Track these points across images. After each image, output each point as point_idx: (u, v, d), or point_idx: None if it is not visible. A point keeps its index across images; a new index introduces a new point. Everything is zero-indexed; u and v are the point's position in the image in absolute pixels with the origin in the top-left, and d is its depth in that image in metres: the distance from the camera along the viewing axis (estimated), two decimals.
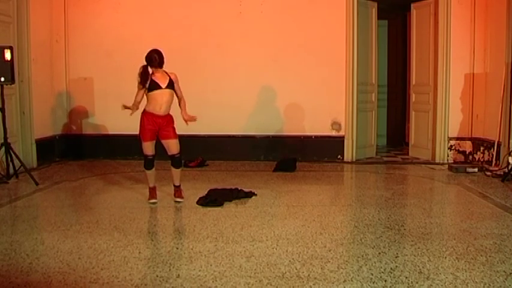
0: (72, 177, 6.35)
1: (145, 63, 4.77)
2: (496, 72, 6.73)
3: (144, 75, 4.76)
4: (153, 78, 4.77)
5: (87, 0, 7.64)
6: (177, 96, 4.96)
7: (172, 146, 4.89)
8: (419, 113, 7.84)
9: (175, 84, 4.88)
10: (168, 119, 4.89)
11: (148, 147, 4.88)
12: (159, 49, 4.82)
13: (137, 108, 4.89)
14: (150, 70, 4.79)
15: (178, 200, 5.02)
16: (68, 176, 6.47)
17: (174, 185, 5.08)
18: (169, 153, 4.92)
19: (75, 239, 3.82)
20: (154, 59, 4.75)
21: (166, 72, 4.86)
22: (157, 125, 4.83)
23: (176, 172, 5.01)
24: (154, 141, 4.90)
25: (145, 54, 4.77)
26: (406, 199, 5.29)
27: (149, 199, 5.01)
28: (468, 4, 7.20)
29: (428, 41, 7.51)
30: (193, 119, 5.01)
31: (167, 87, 4.81)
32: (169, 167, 5.03)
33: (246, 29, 7.49)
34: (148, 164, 4.94)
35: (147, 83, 4.76)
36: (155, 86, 4.77)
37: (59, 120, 7.73)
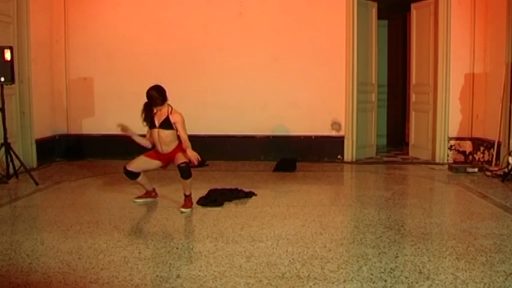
0: (72, 177, 6.35)
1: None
2: (496, 72, 6.73)
3: (144, 114, 4.59)
4: (153, 114, 4.60)
5: (87, 0, 7.64)
6: (179, 136, 4.65)
7: (176, 159, 4.66)
8: (419, 113, 7.84)
9: (176, 125, 4.59)
10: (171, 155, 4.68)
11: (138, 162, 4.72)
12: (160, 85, 4.57)
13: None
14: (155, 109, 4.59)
15: (181, 210, 4.68)
16: (68, 176, 6.47)
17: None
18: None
19: (75, 239, 3.82)
20: (154, 97, 4.49)
21: (169, 110, 4.61)
22: (159, 158, 4.74)
23: (183, 183, 4.70)
24: (147, 162, 4.73)
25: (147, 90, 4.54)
26: (406, 199, 5.29)
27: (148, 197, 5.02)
28: (468, 4, 7.20)
29: (428, 41, 7.51)
30: (195, 157, 4.54)
31: (160, 126, 4.60)
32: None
33: (246, 29, 7.49)
34: (129, 176, 4.78)
35: (148, 121, 4.62)
36: (152, 124, 4.64)
37: (58, 120, 7.73)
